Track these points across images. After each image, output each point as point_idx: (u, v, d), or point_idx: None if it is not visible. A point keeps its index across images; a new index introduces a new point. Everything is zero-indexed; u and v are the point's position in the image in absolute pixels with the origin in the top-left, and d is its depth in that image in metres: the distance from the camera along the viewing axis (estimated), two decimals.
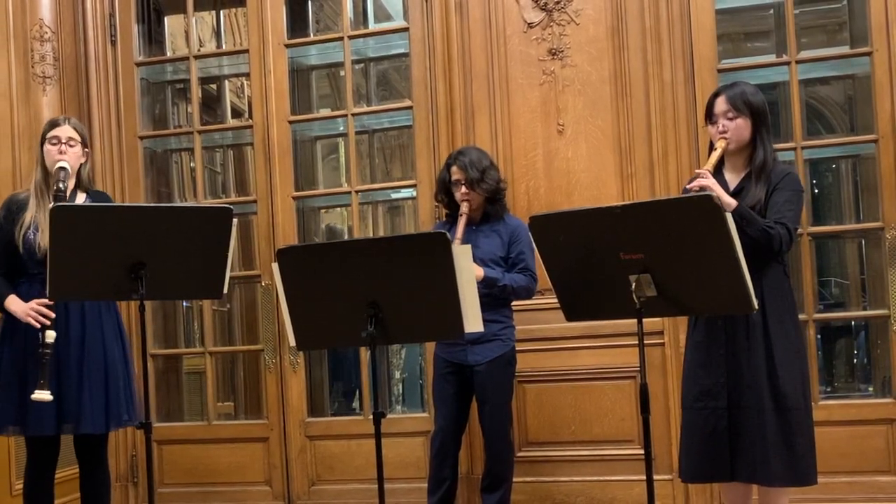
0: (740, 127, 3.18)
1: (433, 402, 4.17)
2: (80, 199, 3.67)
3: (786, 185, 3.13)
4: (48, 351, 3.39)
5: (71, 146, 3.62)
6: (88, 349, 3.56)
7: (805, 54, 4.55)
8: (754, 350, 3.09)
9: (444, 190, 4.11)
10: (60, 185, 3.46)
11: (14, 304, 3.51)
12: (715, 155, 3.18)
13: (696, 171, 3.19)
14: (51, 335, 3.40)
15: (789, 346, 3.11)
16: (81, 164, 3.69)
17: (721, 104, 3.21)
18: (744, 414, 3.08)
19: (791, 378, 3.07)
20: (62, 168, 3.52)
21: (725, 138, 3.18)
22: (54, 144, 3.60)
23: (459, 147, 4.30)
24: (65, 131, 3.63)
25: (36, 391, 3.34)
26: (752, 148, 3.21)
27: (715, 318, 3.15)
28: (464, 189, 3.98)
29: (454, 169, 4.03)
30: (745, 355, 3.10)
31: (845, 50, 4.69)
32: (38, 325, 3.43)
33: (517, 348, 4.07)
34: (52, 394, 3.37)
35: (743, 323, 3.10)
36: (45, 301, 3.43)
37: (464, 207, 3.96)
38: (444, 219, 4.26)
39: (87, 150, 3.73)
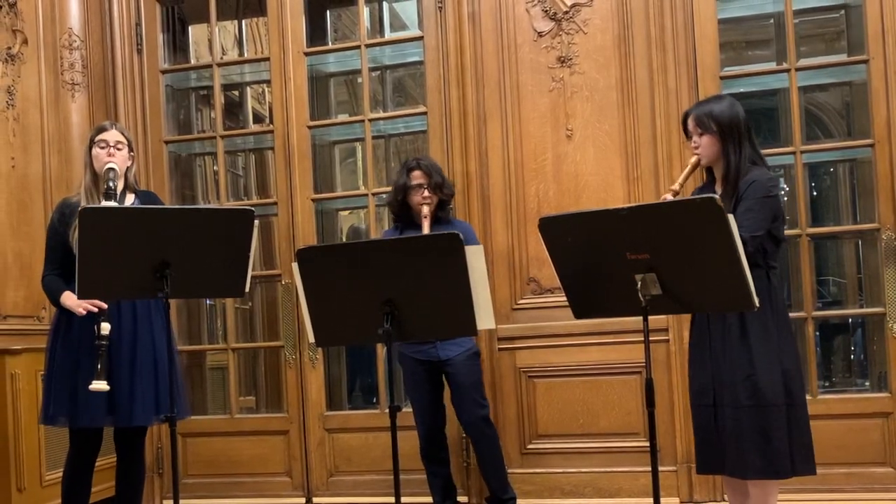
0: (707, 144, 3.23)
1: (411, 403, 4.24)
2: (130, 199, 3.72)
3: (749, 195, 3.14)
4: (104, 342, 3.43)
5: (118, 149, 3.68)
6: (139, 345, 3.62)
7: (804, 62, 4.64)
8: (731, 351, 3.13)
9: (402, 195, 4.18)
10: (110, 185, 3.53)
11: (69, 299, 3.56)
12: (686, 170, 3.31)
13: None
14: (105, 327, 3.44)
15: (769, 345, 3.13)
16: (128, 167, 3.75)
17: (690, 122, 3.29)
18: (724, 411, 3.14)
19: (769, 376, 3.10)
20: (111, 168, 3.59)
21: (697, 154, 3.27)
22: (102, 148, 3.66)
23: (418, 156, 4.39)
24: (112, 135, 3.69)
25: (93, 381, 3.38)
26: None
27: (704, 319, 3.21)
28: (426, 192, 4.10)
29: (417, 173, 4.13)
30: (723, 355, 3.16)
31: (843, 58, 4.79)
32: (94, 310, 3.48)
33: (523, 346, 4.20)
34: (107, 384, 3.43)
35: (722, 325, 3.16)
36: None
37: (425, 210, 4.07)
38: (394, 225, 4.34)
39: (132, 153, 3.80)
